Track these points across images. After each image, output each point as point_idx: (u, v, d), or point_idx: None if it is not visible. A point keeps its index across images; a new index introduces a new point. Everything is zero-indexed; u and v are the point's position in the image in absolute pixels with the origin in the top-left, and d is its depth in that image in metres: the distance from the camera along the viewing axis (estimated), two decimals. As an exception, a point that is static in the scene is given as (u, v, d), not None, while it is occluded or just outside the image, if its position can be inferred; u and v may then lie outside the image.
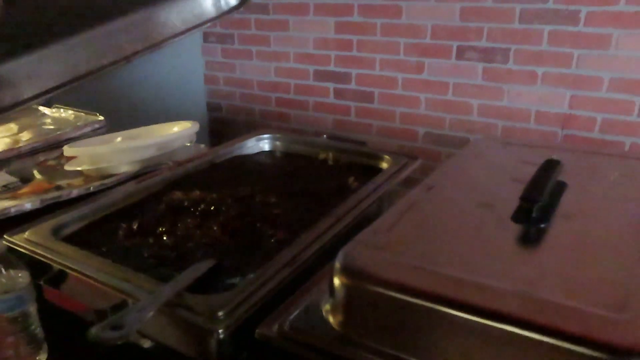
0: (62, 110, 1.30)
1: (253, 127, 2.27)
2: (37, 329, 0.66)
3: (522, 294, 0.44)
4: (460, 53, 1.72)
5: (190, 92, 2.21)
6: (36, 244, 0.69)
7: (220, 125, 2.31)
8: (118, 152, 0.93)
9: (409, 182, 0.84)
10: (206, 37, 2.22)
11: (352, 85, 1.95)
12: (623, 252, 0.50)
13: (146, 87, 1.91)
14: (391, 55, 1.84)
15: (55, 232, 0.73)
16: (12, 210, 0.82)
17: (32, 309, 0.65)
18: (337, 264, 0.50)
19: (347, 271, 0.49)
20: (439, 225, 0.59)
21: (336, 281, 0.49)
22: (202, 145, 1.15)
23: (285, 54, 2.06)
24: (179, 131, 1.05)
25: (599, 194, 0.65)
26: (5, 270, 0.64)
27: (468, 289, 0.45)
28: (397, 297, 0.45)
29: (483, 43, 1.67)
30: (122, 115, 1.81)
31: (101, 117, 1.25)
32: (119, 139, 1.04)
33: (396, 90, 1.87)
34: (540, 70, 1.62)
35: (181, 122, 1.09)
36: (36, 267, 0.66)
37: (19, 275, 0.65)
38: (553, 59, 1.59)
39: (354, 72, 1.93)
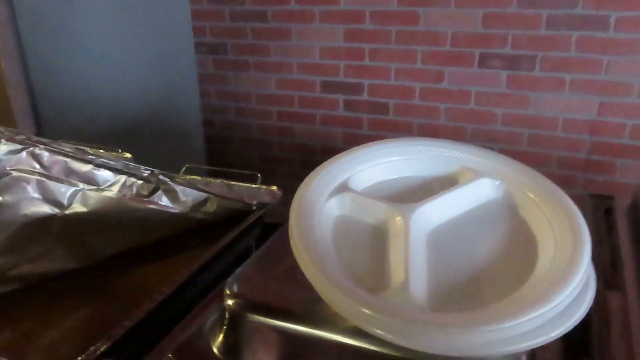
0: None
1: (251, 144, 2.12)
2: None
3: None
4: (483, 61, 1.66)
5: (186, 108, 2.02)
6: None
7: (215, 143, 2.14)
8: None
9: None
10: (197, 47, 2.03)
11: (365, 97, 1.85)
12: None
13: (138, 106, 1.72)
14: (408, 64, 1.75)
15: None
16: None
17: None
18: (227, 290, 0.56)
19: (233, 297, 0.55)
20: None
21: (224, 306, 0.55)
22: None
23: (288, 65, 1.92)
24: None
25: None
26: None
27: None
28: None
29: (508, 50, 1.62)
30: (119, 138, 1.62)
31: (128, 154, 1.08)
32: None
33: (413, 100, 1.79)
34: (568, 77, 1.59)
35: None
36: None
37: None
38: (582, 65, 1.56)
39: (366, 82, 1.83)
